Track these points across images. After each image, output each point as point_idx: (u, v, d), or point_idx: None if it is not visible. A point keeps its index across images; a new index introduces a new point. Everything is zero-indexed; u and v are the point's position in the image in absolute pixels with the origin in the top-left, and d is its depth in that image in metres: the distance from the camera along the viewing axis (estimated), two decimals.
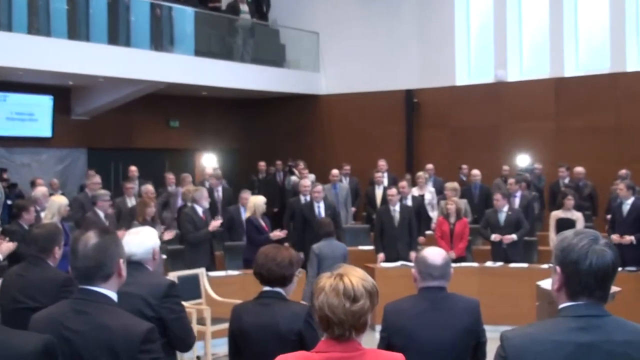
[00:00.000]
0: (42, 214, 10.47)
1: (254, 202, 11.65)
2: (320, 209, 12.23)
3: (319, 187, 12.60)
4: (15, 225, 9.40)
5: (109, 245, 3.33)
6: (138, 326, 3.23)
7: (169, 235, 11.01)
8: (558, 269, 2.73)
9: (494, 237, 11.92)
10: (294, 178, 17.36)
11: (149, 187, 13.23)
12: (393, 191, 12.32)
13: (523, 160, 17.76)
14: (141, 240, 4.77)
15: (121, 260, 3.37)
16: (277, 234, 11.44)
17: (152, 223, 10.61)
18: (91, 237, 3.31)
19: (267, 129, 22.45)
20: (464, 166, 17.26)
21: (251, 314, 4.58)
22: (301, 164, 17.13)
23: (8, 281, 5.69)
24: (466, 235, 12.17)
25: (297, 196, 13.39)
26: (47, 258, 5.61)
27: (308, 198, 12.54)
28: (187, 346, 4.73)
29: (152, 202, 11.20)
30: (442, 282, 4.66)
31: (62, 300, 4.97)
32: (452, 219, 12.13)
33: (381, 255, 12.05)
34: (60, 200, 10.27)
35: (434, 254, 4.69)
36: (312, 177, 16.83)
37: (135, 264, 4.64)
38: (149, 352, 3.19)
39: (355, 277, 2.96)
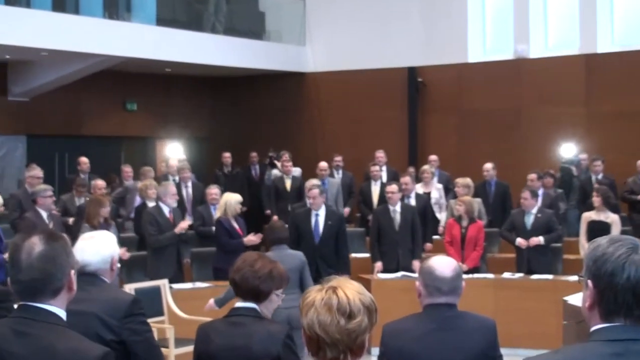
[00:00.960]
0: None
1: (226, 201, 11.66)
2: (319, 218, 11.34)
3: (315, 192, 11.51)
4: None
5: (58, 253, 3.27)
6: (91, 351, 3.21)
7: (126, 255, 11.01)
8: (590, 283, 2.69)
9: (519, 241, 11.93)
10: (275, 172, 17.32)
11: (99, 182, 13.20)
12: (393, 188, 12.32)
13: (568, 150, 17.63)
14: (97, 247, 4.75)
15: (72, 272, 3.33)
16: (251, 238, 11.45)
17: (106, 225, 10.62)
18: (36, 244, 3.25)
19: (243, 114, 22.41)
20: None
21: (220, 335, 4.65)
22: (285, 156, 17.06)
23: None
24: (481, 242, 12.20)
25: (299, 201, 13.25)
26: None
27: None
28: None
29: (107, 200, 11.18)
30: (452, 298, 4.67)
31: None
32: (465, 222, 12.16)
33: (378, 265, 12.08)
34: None
35: (443, 265, 4.69)
36: (297, 170, 16.81)
37: (89, 276, 4.64)
38: None
39: (351, 290, 2.98)
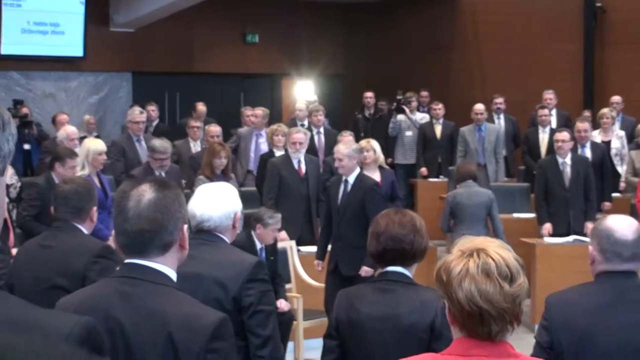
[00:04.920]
0: None
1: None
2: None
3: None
4: (42, 179, 9.55)
5: (170, 203, 3.33)
6: (206, 316, 3.27)
7: None
8: None
9: None
10: (401, 118, 17.19)
11: (213, 129, 13.32)
12: (564, 135, 12.14)
13: None
14: (218, 201, 4.89)
15: (185, 227, 3.39)
16: None
17: (225, 179, 10.78)
18: (146, 192, 3.32)
19: (383, 47, 22.34)
20: None
21: (368, 303, 4.80)
22: (414, 100, 17.18)
23: (27, 255, 5.84)
24: None
25: (452, 150, 13.06)
26: (81, 223, 5.74)
27: None
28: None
29: (223, 150, 11.34)
30: (633, 265, 4.60)
31: (90, 272, 5.26)
32: None
33: (547, 226, 11.97)
34: (91, 145, 10.41)
35: (624, 226, 4.61)
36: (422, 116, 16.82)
37: (207, 234, 4.82)
38: (218, 353, 3.22)
39: (501, 249, 3.02)
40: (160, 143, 11.01)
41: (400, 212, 4.97)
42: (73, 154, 9.66)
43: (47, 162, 11.36)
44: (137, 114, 13.12)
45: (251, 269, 4.74)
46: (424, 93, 18.83)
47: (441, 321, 4.56)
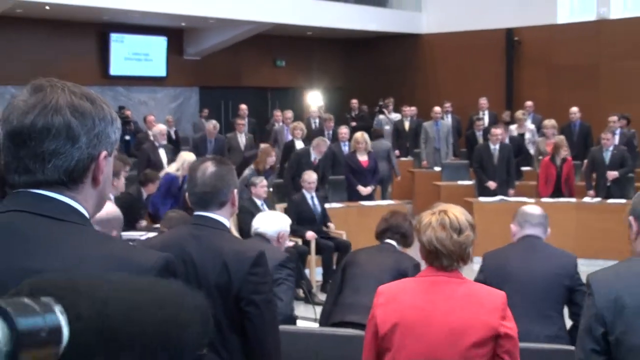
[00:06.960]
0: (161, 152, 10.81)
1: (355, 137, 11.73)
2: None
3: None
4: (134, 191, 9.11)
5: (225, 173, 3.41)
6: (249, 251, 3.35)
7: None
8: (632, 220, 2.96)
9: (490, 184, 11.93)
10: (382, 117, 17.22)
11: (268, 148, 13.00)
12: (498, 131, 12.16)
13: None
14: (272, 221, 5.46)
15: (235, 190, 3.46)
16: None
17: (270, 172, 10.94)
18: (209, 166, 3.40)
19: (370, 69, 22.31)
20: None
21: (365, 256, 5.48)
22: (390, 105, 17.22)
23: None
24: (573, 176, 11.82)
25: (416, 139, 13.26)
26: None
27: None
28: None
29: (273, 151, 11.37)
30: (540, 230, 4.95)
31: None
32: (559, 161, 11.62)
33: (491, 183, 11.97)
34: (187, 157, 10.30)
35: (533, 207, 5.12)
36: (396, 115, 16.83)
37: (259, 236, 5.32)
38: (257, 275, 3.28)
39: (458, 211, 3.12)
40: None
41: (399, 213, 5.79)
42: (157, 179, 9.41)
43: (143, 148, 11.47)
44: (211, 126, 13.52)
45: (284, 259, 4.97)
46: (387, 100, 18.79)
47: (412, 272, 4.95)
